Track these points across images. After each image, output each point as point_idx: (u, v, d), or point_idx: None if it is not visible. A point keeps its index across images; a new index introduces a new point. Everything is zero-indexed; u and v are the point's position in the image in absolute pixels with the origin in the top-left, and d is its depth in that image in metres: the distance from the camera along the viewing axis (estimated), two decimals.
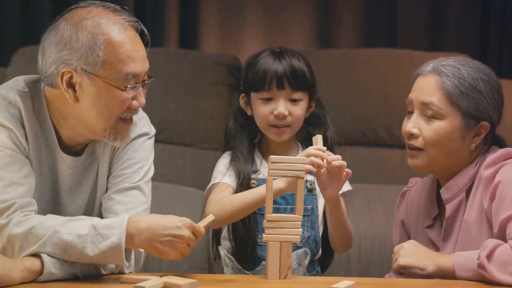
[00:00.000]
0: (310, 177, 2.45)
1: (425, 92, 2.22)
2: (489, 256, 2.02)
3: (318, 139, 2.28)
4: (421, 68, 2.28)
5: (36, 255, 1.96)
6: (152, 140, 2.22)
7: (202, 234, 2.02)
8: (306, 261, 2.36)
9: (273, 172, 2.08)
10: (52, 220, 1.98)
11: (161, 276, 1.96)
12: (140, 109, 2.17)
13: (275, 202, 2.36)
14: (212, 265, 3.19)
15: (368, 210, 3.34)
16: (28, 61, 3.71)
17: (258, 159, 2.50)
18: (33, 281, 1.94)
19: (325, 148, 2.26)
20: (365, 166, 3.74)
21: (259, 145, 2.53)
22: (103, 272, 2.03)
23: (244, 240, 2.43)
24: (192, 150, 3.80)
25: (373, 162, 3.77)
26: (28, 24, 4.22)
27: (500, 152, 2.18)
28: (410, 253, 2.16)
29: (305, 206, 2.41)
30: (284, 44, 3.24)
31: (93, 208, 2.17)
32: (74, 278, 1.99)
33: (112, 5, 2.06)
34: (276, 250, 2.07)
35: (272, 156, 2.09)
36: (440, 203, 2.31)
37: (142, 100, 2.07)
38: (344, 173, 2.23)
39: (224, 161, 2.48)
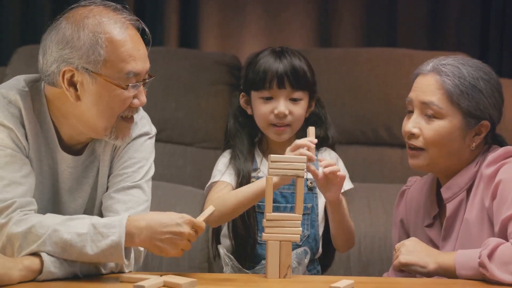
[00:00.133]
0: (310, 176, 2.45)
1: (425, 92, 2.22)
2: (490, 255, 2.02)
3: (310, 131, 2.29)
4: (421, 68, 2.28)
5: (35, 254, 1.96)
6: (153, 139, 2.22)
7: (203, 228, 2.02)
8: (306, 260, 2.35)
9: (273, 171, 2.08)
10: (51, 219, 1.98)
11: (161, 275, 1.96)
12: (141, 109, 2.17)
13: (275, 201, 2.37)
14: (211, 264, 3.19)
15: (368, 209, 3.33)
16: (28, 60, 3.71)
17: (258, 157, 2.50)
18: (32, 280, 1.94)
19: (316, 140, 2.27)
20: (365, 165, 3.74)
21: (259, 143, 2.54)
22: (103, 271, 2.03)
23: (244, 238, 2.43)
24: (192, 149, 3.80)
25: (373, 161, 3.77)
26: (28, 23, 4.22)
27: (501, 150, 2.18)
28: (411, 250, 2.16)
29: (305, 204, 2.41)
30: (284, 43, 3.25)
31: (93, 207, 2.17)
32: (73, 277, 1.99)
33: (113, 4, 2.06)
34: (276, 249, 2.07)
35: (271, 155, 2.09)
36: (439, 202, 2.31)
37: (143, 98, 2.07)
38: (338, 178, 2.23)
39: (224, 159, 2.48)
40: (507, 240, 2.05)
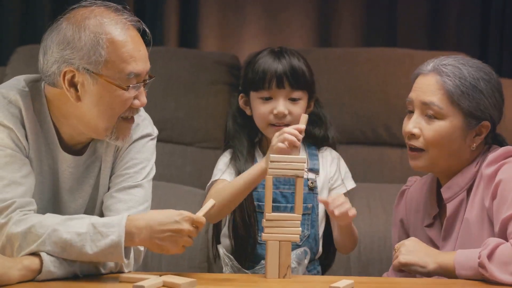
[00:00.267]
0: (311, 176, 2.46)
1: (426, 92, 2.22)
2: (489, 255, 2.02)
3: (302, 118, 2.30)
4: (421, 68, 2.27)
5: (35, 254, 1.96)
6: (155, 141, 2.23)
7: (203, 223, 2.02)
8: (306, 261, 2.35)
9: (273, 171, 2.08)
10: (51, 219, 1.98)
11: (160, 275, 1.96)
12: (143, 110, 2.18)
13: (275, 201, 2.37)
14: (211, 264, 3.19)
15: (368, 209, 3.33)
16: (27, 60, 3.71)
17: (259, 157, 2.50)
18: (31, 280, 1.94)
19: (303, 127, 2.28)
20: (364, 165, 3.74)
21: (260, 143, 2.54)
22: (102, 271, 2.03)
23: (244, 239, 2.43)
24: (192, 149, 3.80)
25: (372, 161, 3.77)
26: (28, 23, 4.22)
27: (501, 150, 2.18)
28: (411, 250, 2.16)
29: (305, 204, 2.41)
30: (284, 43, 3.25)
31: (94, 208, 2.17)
32: (73, 277, 1.99)
33: (114, 4, 2.06)
34: (276, 249, 2.07)
35: (271, 155, 2.09)
36: (439, 202, 2.31)
37: (144, 99, 2.07)
38: (350, 214, 2.21)
39: (224, 159, 2.49)
40: (507, 240, 2.05)
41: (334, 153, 2.54)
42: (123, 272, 2.05)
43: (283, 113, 2.42)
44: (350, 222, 2.33)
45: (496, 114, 2.23)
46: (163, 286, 1.93)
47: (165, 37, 4.23)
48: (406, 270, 2.17)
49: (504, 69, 4.14)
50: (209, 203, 2.08)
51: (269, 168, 2.07)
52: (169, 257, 3.17)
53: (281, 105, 2.42)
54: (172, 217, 1.99)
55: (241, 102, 2.52)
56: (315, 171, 2.47)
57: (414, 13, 4.25)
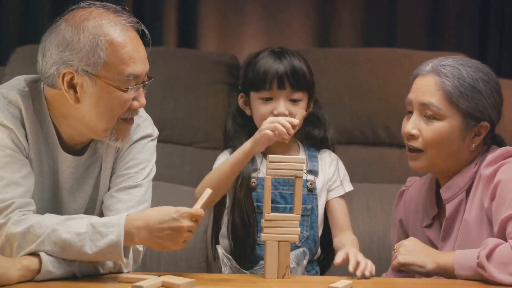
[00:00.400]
0: (310, 177, 2.45)
1: (425, 93, 2.22)
2: (488, 256, 2.02)
3: (299, 114, 2.32)
4: (420, 68, 2.27)
5: (34, 254, 1.96)
6: (155, 141, 2.23)
7: (202, 215, 2.02)
8: (305, 261, 2.35)
9: (271, 172, 2.08)
10: (50, 219, 1.98)
11: (159, 276, 1.96)
12: (143, 111, 2.18)
13: (274, 202, 2.37)
14: (210, 265, 3.19)
15: (367, 210, 3.34)
16: (26, 60, 3.71)
17: (258, 157, 2.49)
18: (30, 280, 1.94)
19: (297, 122, 2.28)
20: (364, 165, 3.74)
21: None
22: (101, 271, 2.03)
23: (244, 239, 2.43)
24: (191, 149, 3.80)
25: (372, 161, 3.77)
26: (28, 23, 4.22)
27: (500, 151, 2.18)
28: (410, 250, 2.16)
29: (305, 205, 2.41)
30: (283, 43, 3.25)
31: (94, 208, 2.17)
32: (72, 277, 1.99)
33: (113, 6, 2.06)
34: (274, 249, 2.07)
35: (270, 155, 2.10)
36: (439, 203, 2.31)
37: (143, 100, 2.07)
38: (368, 273, 2.14)
39: (224, 156, 2.48)
40: (506, 240, 2.05)
41: (333, 155, 2.53)
42: (122, 272, 2.05)
43: (284, 114, 2.42)
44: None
45: (495, 114, 2.23)
46: (162, 286, 1.93)
47: (165, 38, 4.24)
48: (405, 270, 2.17)
49: (503, 69, 4.14)
50: (205, 193, 2.07)
51: (268, 169, 2.07)
52: (168, 258, 3.17)
53: (281, 106, 2.42)
54: (170, 214, 1.99)
55: (240, 102, 2.51)
56: (314, 172, 2.47)
57: (413, 13, 4.26)
